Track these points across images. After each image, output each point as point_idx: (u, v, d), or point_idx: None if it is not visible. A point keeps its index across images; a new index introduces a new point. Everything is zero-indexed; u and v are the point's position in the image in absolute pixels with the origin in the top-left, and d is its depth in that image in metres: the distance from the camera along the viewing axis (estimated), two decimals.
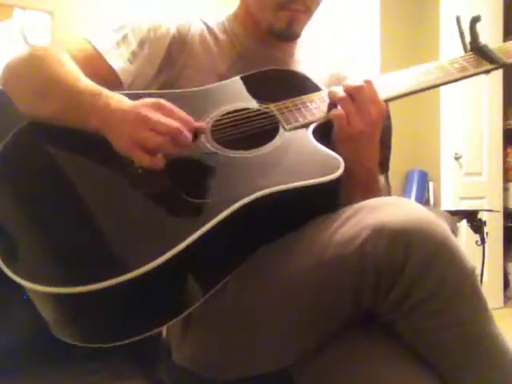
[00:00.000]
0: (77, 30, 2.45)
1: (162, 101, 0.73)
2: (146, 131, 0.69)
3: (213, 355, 0.77)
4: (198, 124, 0.75)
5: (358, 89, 0.79)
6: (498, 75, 3.30)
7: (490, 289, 3.17)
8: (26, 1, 2.50)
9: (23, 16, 2.49)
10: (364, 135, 0.79)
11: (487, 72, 0.89)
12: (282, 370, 0.73)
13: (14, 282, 0.61)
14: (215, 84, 0.89)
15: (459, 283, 0.63)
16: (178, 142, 0.70)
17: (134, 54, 0.88)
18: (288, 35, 0.94)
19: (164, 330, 0.89)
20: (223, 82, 0.90)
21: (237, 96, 0.87)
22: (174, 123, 0.70)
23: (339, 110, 0.80)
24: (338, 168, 0.72)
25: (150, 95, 0.78)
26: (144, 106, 0.72)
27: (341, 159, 0.74)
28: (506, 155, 3.63)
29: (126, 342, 0.64)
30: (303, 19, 0.93)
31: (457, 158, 3.29)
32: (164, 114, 0.71)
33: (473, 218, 2.53)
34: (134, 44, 0.89)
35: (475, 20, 0.91)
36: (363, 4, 3.20)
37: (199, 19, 0.98)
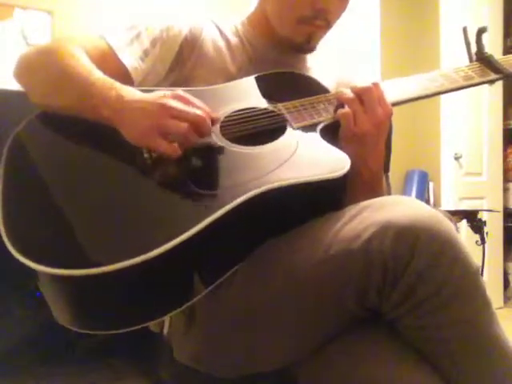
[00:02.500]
0: (77, 30, 2.45)
1: (180, 91, 0.75)
2: (169, 119, 0.71)
3: (214, 353, 0.77)
4: (214, 114, 0.76)
5: (366, 90, 0.80)
6: None
7: (490, 289, 3.14)
8: (26, 1, 2.49)
9: (23, 16, 2.49)
10: (370, 136, 0.80)
11: (492, 82, 0.92)
12: (284, 369, 0.73)
13: (14, 282, 0.61)
14: (226, 83, 0.90)
15: (462, 282, 0.63)
16: (201, 130, 0.72)
17: (145, 53, 0.89)
18: (306, 49, 0.96)
19: (165, 328, 0.89)
20: (234, 81, 0.91)
21: (246, 95, 0.89)
22: (198, 111, 0.72)
23: (346, 109, 0.81)
24: (345, 166, 0.73)
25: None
26: (164, 96, 0.73)
27: (347, 157, 0.75)
28: (506, 155, 3.63)
29: (130, 329, 0.65)
30: (322, 34, 0.95)
31: (457, 158, 3.29)
32: (182, 103, 0.73)
33: (473, 218, 2.53)
34: (146, 43, 0.90)
35: (481, 31, 0.93)
36: (363, 5, 3.20)
37: (212, 22, 0.99)
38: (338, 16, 0.94)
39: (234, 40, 0.98)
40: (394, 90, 0.87)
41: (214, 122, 0.76)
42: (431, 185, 3.39)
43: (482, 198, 3.39)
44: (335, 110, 0.83)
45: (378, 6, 3.26)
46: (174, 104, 0.72)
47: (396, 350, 0.67)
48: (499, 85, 3.43)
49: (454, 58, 2.92)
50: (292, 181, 0.71)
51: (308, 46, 0.95)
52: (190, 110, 0.72)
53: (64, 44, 0.85)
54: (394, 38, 3.35)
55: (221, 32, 0.98)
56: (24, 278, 0.65)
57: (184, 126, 0.70)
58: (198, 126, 0.72)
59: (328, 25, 0.93)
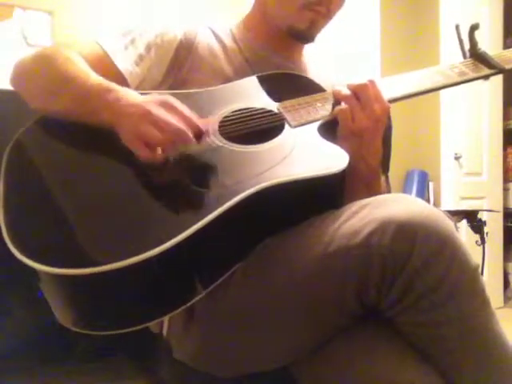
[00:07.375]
0: (77, 30, 2.45)
1: (169, 98, 0.75)
2: (147, 126, 0.71)
3: (214, 352, 0.77)
4: (201, 121, 0.76)
5: (362, 87, 0.81)
6: (497, 76, 3.30)
7: (490, 289, 3.15)
8: (26, 1, 2.50)
9: (23, 16, 2.49)
10: (368, 132, 0.81)
11: (486, 77, 0.94)
12: (283, 368, 0.73)
13: (14, 281, 0.62)
14: (224, 85, 0.91)
15: (460, 279, 0.64)
16: (179, 142, 0.72)
17: (140, 57, 0.90)
18: (306, 37, 0.97)
19: (165, 328, 0.89)
20: (231, 82, 0.92)
21: (244, 96, 0.89)
22: (175, 123, 0.71)
23: (344, 106, 0.81)
24: (343, 161, 0.74)
25: (159, 94, 0.80)
26: (149, 101, 0.74)
27: (345, 153, 0.76)
28: (506, 155, 3.63)
29: (130, 330, 0.65)
30: (322, 23, 0.96)
31: (457, 158, 3.29)
32: (167, 111, 0.72)
33: (473, 218, 2.53)
34: (141, 48, 0.90)
35: (474, 28, 0.94)
36: (363, 5, 3.20)
37: (206, 27, 0.99)
38: (338, 6, 0.95)
39: (229, 43, 0.98)
40: (390, 86, 0.87)
41: (201, 132, 0.76)
42: (431, 185, 3.39)
43: (481, 198, 3.40)
44: (332, 108, 0.84)
45: (378, 5, 3.26)
46: (156, 111, 0.72)
47: (395, 348, 0.67)
48: (499, 85, 3.43)
49: (454, 59, 2.92)
50: (291, 177, 0.71)
51: (309, 33, 0.95)
52: (167, 120, 0.71)
53: (60, 49, 0.86)
54: (394, 38, 3.35)
55: (216, 36, 0.98)
56: (25, 277, 0.66)
57: (158, 135, 0.71)
58: (176, 136, 0.71)
59: (329, 14, 0.94)
